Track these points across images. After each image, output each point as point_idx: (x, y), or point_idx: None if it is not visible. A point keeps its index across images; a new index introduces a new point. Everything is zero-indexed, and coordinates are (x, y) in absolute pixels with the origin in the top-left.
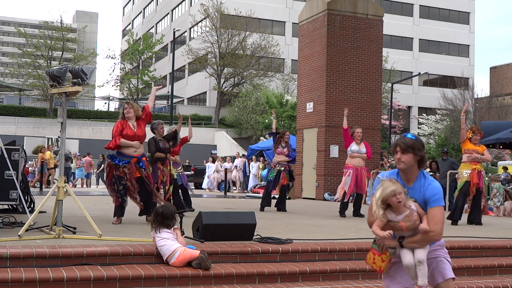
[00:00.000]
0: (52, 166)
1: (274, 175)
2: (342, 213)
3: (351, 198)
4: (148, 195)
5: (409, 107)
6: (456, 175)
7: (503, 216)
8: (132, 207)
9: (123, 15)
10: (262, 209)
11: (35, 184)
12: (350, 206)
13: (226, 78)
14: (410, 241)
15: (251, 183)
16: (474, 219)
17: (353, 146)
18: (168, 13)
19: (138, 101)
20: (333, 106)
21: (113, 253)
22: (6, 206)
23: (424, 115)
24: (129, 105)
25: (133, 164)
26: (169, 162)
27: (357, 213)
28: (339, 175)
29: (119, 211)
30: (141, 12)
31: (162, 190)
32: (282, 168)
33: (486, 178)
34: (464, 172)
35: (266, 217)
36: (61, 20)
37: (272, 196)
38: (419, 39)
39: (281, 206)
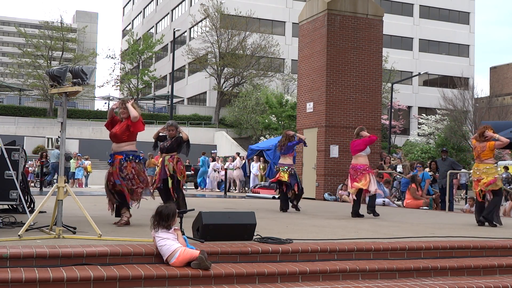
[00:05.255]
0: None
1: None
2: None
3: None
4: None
5: (409, 107)
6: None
7: (503, 216)
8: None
9: (123, 15)
10: (282, 210)
11: None
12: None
13: (226, 78)
14: None
15: (251, 183)
16: (491, 217)
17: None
18: (168, 13)
19: (139, 101)
20: (333, 106)
21: (113, 253)
22: (6, 206)
23: (424, 115)
24: (122, 104)
25: (117, 162)
26: (174, 159)
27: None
28: (339, 175)
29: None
30: (141, 12)
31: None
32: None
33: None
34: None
35: (266, 217)
36: (61, 20)
37: (272, 196)
38: (419, 39)
39: (295, 203)
